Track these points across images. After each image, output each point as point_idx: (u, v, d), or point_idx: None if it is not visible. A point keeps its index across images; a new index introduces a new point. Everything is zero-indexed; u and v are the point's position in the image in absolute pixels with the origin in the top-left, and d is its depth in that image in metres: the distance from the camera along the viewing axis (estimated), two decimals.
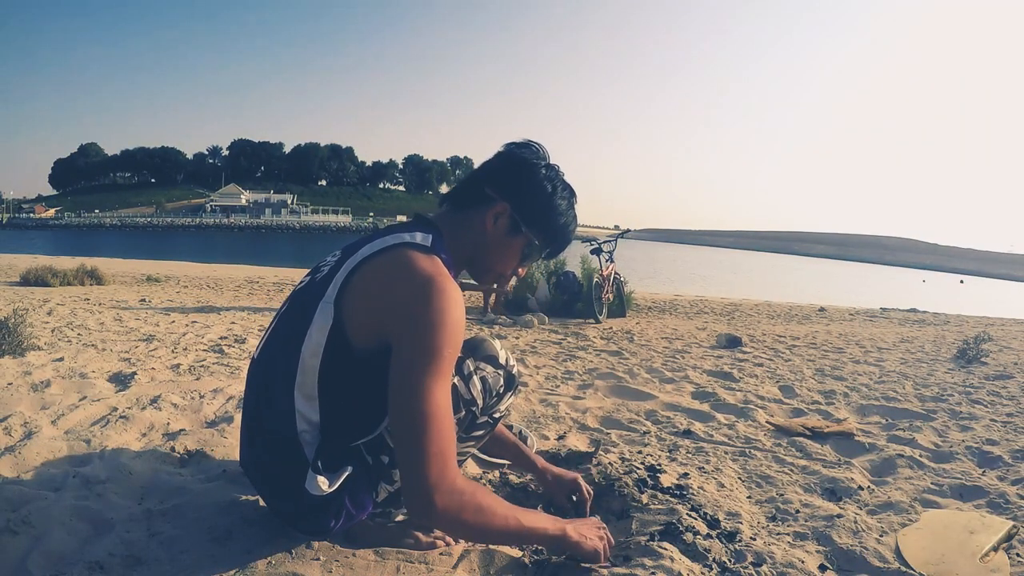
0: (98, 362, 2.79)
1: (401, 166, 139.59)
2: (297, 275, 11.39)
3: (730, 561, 1.24)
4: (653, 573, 1.14)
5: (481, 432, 1.30)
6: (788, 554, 1.27)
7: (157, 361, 2.89)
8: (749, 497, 1.65)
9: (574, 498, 1.44)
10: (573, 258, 6.89)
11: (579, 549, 1.14)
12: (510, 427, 1.96)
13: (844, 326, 6.87)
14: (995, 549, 1.35)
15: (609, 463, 1.77)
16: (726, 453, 1.99)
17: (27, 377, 2.42)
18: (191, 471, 1.58)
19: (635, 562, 1.19)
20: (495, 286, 5.72)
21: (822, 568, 1.24)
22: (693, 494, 1.57)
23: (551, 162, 1.24)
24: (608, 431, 2.21)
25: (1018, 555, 1.33)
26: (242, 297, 7.28)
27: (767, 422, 2.36)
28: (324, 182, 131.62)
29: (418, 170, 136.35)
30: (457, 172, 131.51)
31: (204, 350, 3.29)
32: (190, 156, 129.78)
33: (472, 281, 1.32)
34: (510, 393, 1.33)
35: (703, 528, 1.37)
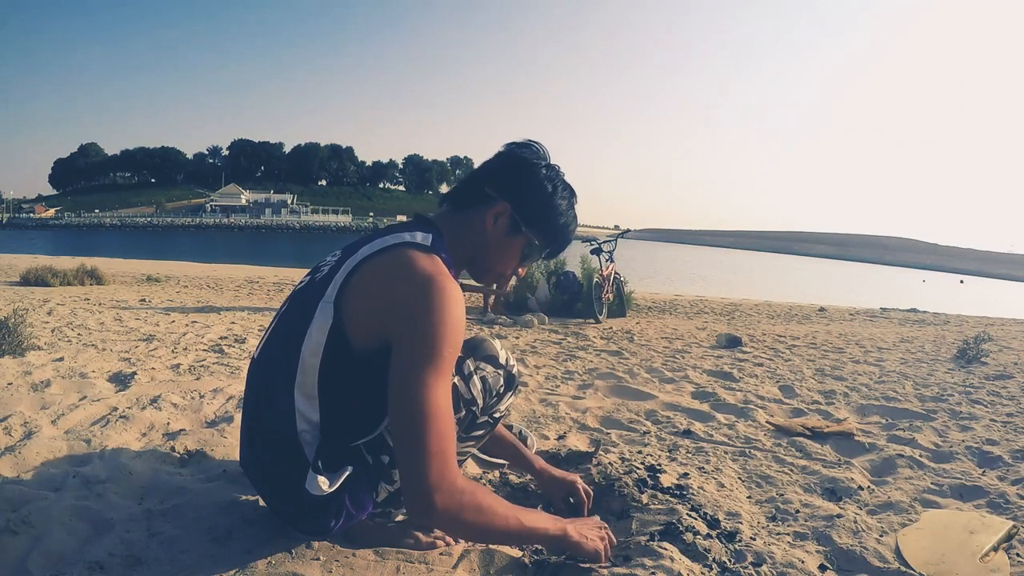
0: (98, 362, 2.79)
1: (401, 166, 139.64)
2: (297, 275, 11.40)
3: (730, 561, 1.23)
4: (653, 573, 1.14)
5: (481, 432, 1.30)
6: (788, 554, 1.27)
7: (157, 361, 2.89)
8: (749, 497, 1.65)
9: (572, 500, 1.44)
10: (573, 258, 6.89)
11: (580, 549, 1.14)
12: (510, 427, 1.96)
13: (844, 326, 6.87)
14: (995, 549, 1.35)
15: (609, 463, 1.77)
16: (726, 453, 1.99)
17: (27, 377, 2.42)
18: (191, 471, 1.58)
19: (635, 562, 1.19)
20: (495, 287, 5.74)
21: (822, 568, 1.24)
22: (693, 494, 1.57)
23: (551, 162, 1.24)
24: (608, 431, 2.21)
25: (1018, 555, 1.33)
26: (242, 297, 7.28)
27: (767, 422, 2.36)
28: (324, 182, 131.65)
29: (418, 170, 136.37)
30: (457, 172, 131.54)
31: (204, 350, 3.29)
32: (190, 156, 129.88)
33: (474, 283, 1.32)
34: (510, 393, 1.33)
35: (703, 528, 1.37)
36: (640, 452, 1.96)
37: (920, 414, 2.61)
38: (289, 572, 1.09)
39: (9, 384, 2.31)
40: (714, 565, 1.21)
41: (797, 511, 1.53)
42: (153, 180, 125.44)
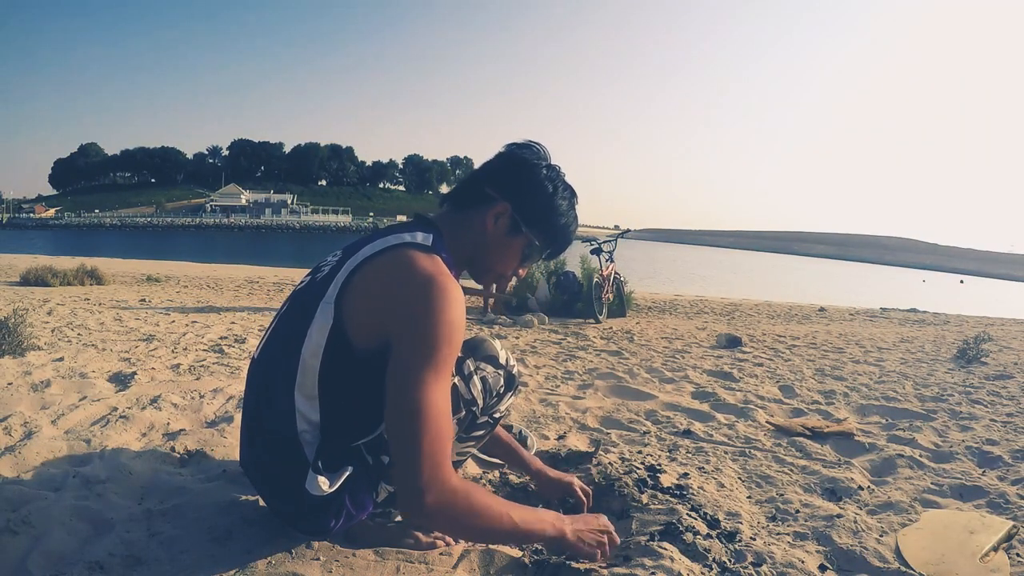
0: (98, 362, 2.79)
1: (401, 166, 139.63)
2: (297, 275, 11.40)
3: (730, 561, 1.24)
4: (653, 573, 1.14)
5: (481, 432, 1.30)
6: (788, 554, 1.27)
7: (157, 361, 2.89)
8: (749, 497, 1.65)
9: (571, 501, 1.44)
10: (573, 258, 6.89)
11: (577, 551, 1.15)
12: (510, 427, 1.96)
13: (844, 326, 6.87)
14: (995, 549, 1.35)
15: (609, 463, 1.77)
16: (726, 453, 1.99)
17: (27, 377, 2.42)
18: (191, 471, 1.58)
19: (635, 562, 1.19)
20: (495, 290, 5.73)
21: (822, 568, 1.24)
22: (693, 494, 1.57)
23: (552, 163, 1.24)
24: (608, 431, 2.21)
25: (1018, 555, 1.33)
26: (242, 297, 7.28)
27: (767, 422, 2.36)
28: (324, 182, 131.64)
29: (418, 170, 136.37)
30: (457, 172, 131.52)
31: (204, 350, 3.29)
32: (190, 156, 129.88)
33: (475, 286, 1.32)
34: (510, 393, 1.33)
35: (703, 528, 1.37)
36: (640, 452, 1.96)
37: (920, 414, 2.61)
38: (289, 572, 1.09)
39: (9, 384, 2.31)
40: (714, 565, 1.21)
41: (797, 511, 1.53)
42: (153, 180, 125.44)
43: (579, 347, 4.20)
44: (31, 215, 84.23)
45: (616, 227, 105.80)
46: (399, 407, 0.97)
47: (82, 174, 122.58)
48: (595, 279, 6.02)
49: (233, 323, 4.50)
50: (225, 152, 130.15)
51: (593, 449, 1.89)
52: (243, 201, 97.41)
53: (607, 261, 6.52)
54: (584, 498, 1.45)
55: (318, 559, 1.14)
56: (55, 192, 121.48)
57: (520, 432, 1.95)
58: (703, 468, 1.82)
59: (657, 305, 8.67)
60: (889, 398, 2.92)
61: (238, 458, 1.29)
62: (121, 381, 2.46)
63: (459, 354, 1.23)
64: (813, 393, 2.98)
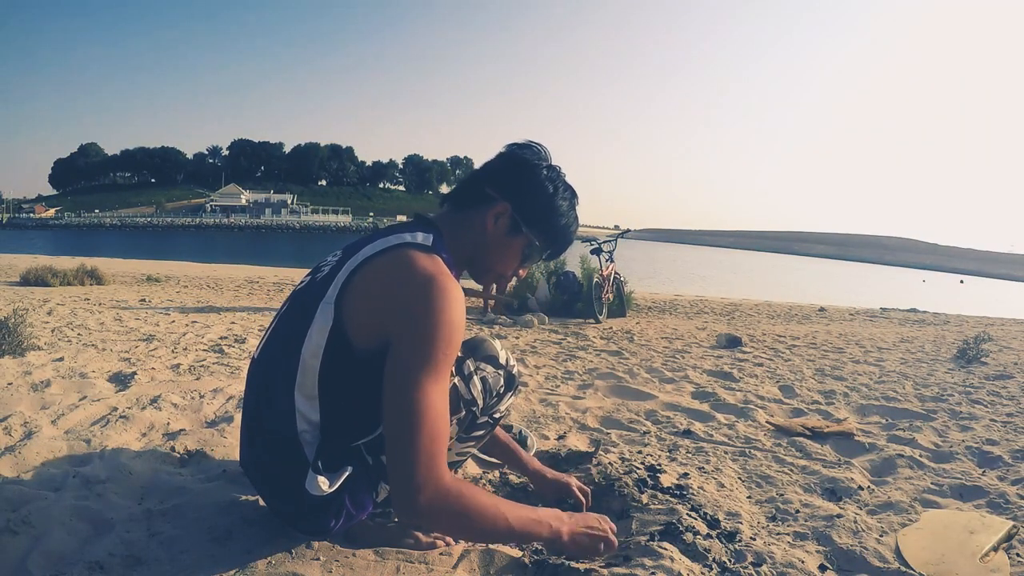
0: (98, 362, 2.79)
1: (401, 166, 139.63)
2: (297, 275, 11.40)
3: (730, 561, 1.24)
4: (653, 573, 1.14)
5: (481, 432, 1.30)
6: (788, 554, 1.27)
7: (157, 361, 2.89)
8: (749, 497, 1.65)
9: (570, 502, 1.44)
10: (573, 258, 6.89)
11: (574, 552, 1.15)
12: (510, 428, 1.96)
13: (844, 326, 6.87)
14: (995, 549, 1.35)
15: (609, 463, 1.77)
16: (726, 453, 1.99)
17: (27, 377, 2.42)
18: (191, 471, 1.58)
19: (635, 562, 1.19)
20: (495, 290, 5.73)
21: (822, 568, 1.24)
22: (693, 494, 1.57)
23: (552, 163, 1.23)
24: (608, 431, 2.21)
25: (1018, 555, 1.33)
26: (242, 297, 7.28)
27: (767, 422, 2.36)
28: (324, 182, 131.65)
29: (418, 170, 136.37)
30: (457, 172, 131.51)
31: (204, 350, 3.29)
32: (190, 156, 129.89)
33: (475, 288, 1.32)
34: (510, 393, 1.33)
35: (703, 528, 1.37)
36: (640, 452, 1.96)
37: (920, 414, 2.61)
38: (289, 572, 1.09)
39: (9, 384, 2.31)
40: (714, 565, 1.21)
41: (797, 511, 1.53)
42: (153, 180, 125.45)
43: (579, 347, 4.20)
44: (31, 215, 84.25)
45: (616, 227, 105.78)
46: (396, 407, 0.97)
47: (82, 174, 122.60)
48: (595, 279, 6.02)
49: (233, 323, 4.50)
50: (225, 152, 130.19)
51: (593, 449, 1.89)
52: (243, 201, 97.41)
53: (607, 261, 6.52)
54: (582, 498, 1.45)
55: (318, 559, 1.14)
56: (55, 192, 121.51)
57: (520, 432, 1.95)
58: (703, 468, 1.82)
59: (657, 305, 8.67)
60: (889, 398, 2.92)
61: (238, 458, 1.29)
62: (121, 381, 2.46)
63: (459, 354, 1.24)
64: (813, 393, 2.98)
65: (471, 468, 1.72)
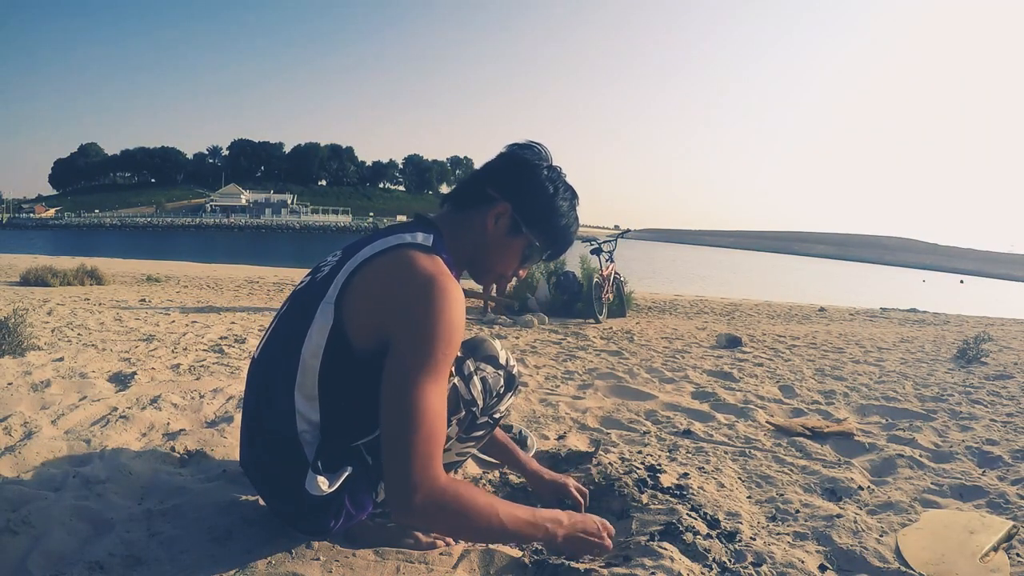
0: (98, 362, 2.79)
1: (401, 166, 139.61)
2: (297, 275, 11.40)
3: (730, 561, 1.24)
4: (653, 573, 1.14)
5: (481, 432, 1.30)
6: (788, 554, 1.27)
7: (157, 361, 2.89)
8: (749, 497, 1.65)
9: (568, 503, 1.44)
10: (573, 258, 6.89)
11: (570, 553, 1.16)
12: (510, 428, 1.96)
13: (844, 326, 6.87)
14: (995, 549, 1.35)
15: (609, 463, 1.77)
16: (726, 453, 1.99)
17: (27, 377, 2.42)
18: (191, 471, 1.58)
19: (635, 562, 1.19)
20: (495, 290, 5.72)
21: (822, 568, 1.24)
22: (693, 494, 1.57)
23: (553, 163, 1.23)
24: (608, 431, 2.21)
25: (1018, 555, 1.33)
26: (242, 297, 7.28)
27: (767, 422, 2.36)
28: (324, 182, 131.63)
29: (418, 170, 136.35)
30: (457, 172, 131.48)
31: (204, 350, 3.29)
32: (190, 156, 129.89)
33: (475, 290, 1.32)
34: (510, 393, 1.33)
35: (703, 528, 1.37)
36: (640, 452, 1.96)
37: (920, 414, 2.61)
38: (289, 572, 1.09)
39: (9, 384, 2.31)
40: (714, 565, 1.21)
41: (797, 511, 1.53)
42: (153, 180, 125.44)
43: (579, 347, 4.20)
44: (31, 215, 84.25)
45: (616, 227, 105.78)
46: (394, 406, 0.97)
47: (82, 174, 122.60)
48: (595, 279, 6.02)
49: (233, 323, 4.50)
50: (225, 152, 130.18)
51: (593, 449, 1.88)
52: (243, 201, 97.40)
53: (607, 261, 6.52)
54: (580, 499, 1.45)
55: (318, 559, 1.14)
56: (55, 192, 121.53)
57: (520, 432, 1.95)
58: (703, 468, 1.82)
59: (657, 305, 8.67)
60: (889, 398, 2.92)
61: (238, 458, 1.29)
62: (121, 381, 2.46)
63: (459, 354, 1.24)
64: (813, 393, 2.98)
65: (471, 468, 1.72)
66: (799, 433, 2.22)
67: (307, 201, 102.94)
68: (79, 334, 3.63)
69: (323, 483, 1.04)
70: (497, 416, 1.33)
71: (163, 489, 1.43)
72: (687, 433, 2.19)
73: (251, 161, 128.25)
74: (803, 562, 1.25)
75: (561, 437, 2.09)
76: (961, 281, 41.39)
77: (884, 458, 1.98)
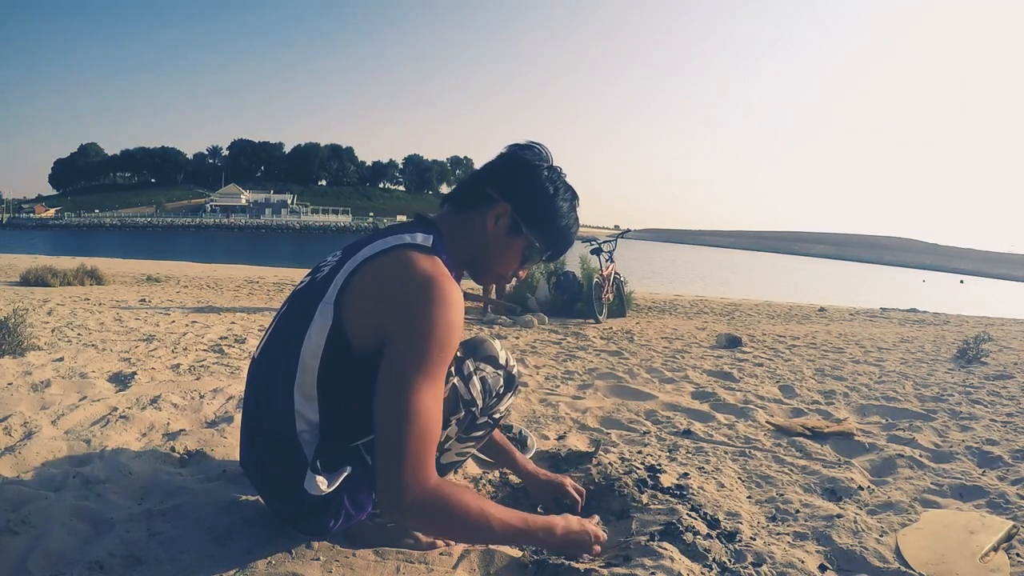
0: (98, 362, 2.79)
1: (401, 166, 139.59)
2: (297, 275, 11.40)
3: (730, 561, 1.24)
4: (653, 573, 1.14)
5: (481, 432, 1.30)
6: (788, 554, 1.27)
7: (157, 361, 2.89)
8: (749, 497, 1.65)
9: (566, 503, 1.44)
10: (573, 258, 6.89)
11: (566, 553, 1.17)
12: (510, 428, 1.96)
13: (844, 326, 6.87)
14: (995, 549, 1.35)
15: (609, 463, 1.77)
16: (726, 453, 1.99)
17: (27, 377, 2.42)
18: (191, 471, 1.58)
19: (635, 562, 1.19)
20: (495, 290, 5.70)
21: (822, 568, 1.24)
22: (693, 494, 1.57)
23: (553, 164, 1.23)
24: (608, 431, 2.21)
25: (1018, 555, 1.33)
26: (242, 297, 7.28)
27: (767, 422, 2.36)
28: (324, 182, 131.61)
29: (418, 170, 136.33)
30: (457, 172, 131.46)
31: (204, 350, 3.29)
32: (190, 156, 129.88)
33: (477, 290, 1.32)
34: (510, 394, 1.33)
35: (703, 528, 1.37)
36: (640, 452, 1.96)
37: (920, 414, 2.61)
38: (289, 572, 1.09)
39: (9, 384, 2.31)
40: (714, 565, 1.21)
41: (797, 511, 1.53)
42: (153, 180, 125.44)
43: (579, 347, 4.20)
44: (31, 215, 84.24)
45: (616, 227, 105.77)
46: (388, 406, 0.97)
47: (82, 174, 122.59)
48: (595, 279, 6.02)
49: (233, 323, 4.50)
50: (225, 152, 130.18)
51: (593, 449, 1.88)
52: (243, 201, 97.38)
53: (607, 261, 6.52)
54: (578, 498, 1.45)
55: (318, 559, 1.14)
56: (55, 192, 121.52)
57: (520, 432, 1.95)
58: (703, 468, 1.82)
59: (657, 305, 8.67)
60: (889, 398, 2.92)
61: (238, 458, 1.29)
62: (121, 381, 2.46)
63: (459, 354, 1.24)
64: (813, 393, 2.98)
65: (471, 468, 1.72)
66: (799, 433, 2.22)
67: (307, 201, 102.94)
68: (79, 334, 3.63)
69: (322, 483, 1.04)
70: (497, 416, 1.33)
71: (163, 489, 1.43)
72: (687, 433, 2.19)
73: (251, 161, 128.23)
74: (803, 562, 1.25)
75: (561, 437, 2.09)
76: (961, 281, 41.40)
77: (884, 458, 1.98)
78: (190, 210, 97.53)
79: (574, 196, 1.24)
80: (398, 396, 0.96)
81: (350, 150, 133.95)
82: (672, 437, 2.15)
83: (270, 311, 5.55)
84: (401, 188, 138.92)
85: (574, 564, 1.16)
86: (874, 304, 11.91)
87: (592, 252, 6.64)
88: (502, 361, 1.31)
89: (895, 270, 56.57)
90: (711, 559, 1.23)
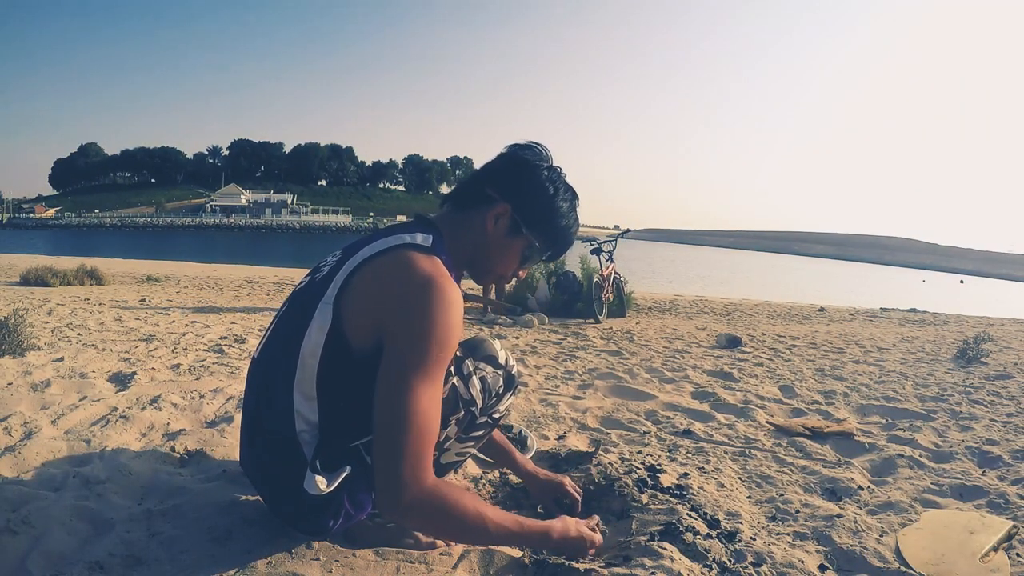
0: (98, 362, 2.79)
1: (401, 166, 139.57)
2: (297, 275, 11.40)
3: (730, 561, 1.24)
4: (653, 573, 1.14)
5: (480, 432, 1.30)
6: (788, 554, 1.27)
7: (157, 361, 2.89)
8: (749, 497, 1.65)
9: (566, 502, 1.44)
10: (573, 258, 6.89)
11: (563, 553, 1.17)
12: (510, 428, 1.96)
13: (844, 326, 6.87)
14: (995, 549, 1.35)
15: (609, 463, 1.77)
16: (726, 453, 1.99)
17: (27, 377, 2.42)
18: (191, 471, 1.58)
19: (635, 562, 1.20)
20: (494, 290, 5.69)
21: (822, 568, 1.24)
22: (693, 494, 1.57)
23: (553, 164, 1.23)
24: (608, 431, 2.21)
25: (1018, 555, 1.33)
26: (242, 297, 7.28)
27: (767, 422, 2.36)
28: (324, 182, 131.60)
29: (418, 170, 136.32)
30: (457, 172, 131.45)
31: (204, 350, 3.29)
32: (190, 156, 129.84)
33: (477, 291, 1.32)
34: (510, 393, 1.33)
35: (703, 528, 1.37)
36: (640, 452, 1.96)
37: (920, 414, 2.61)
38: (289, 572, 1.09)
39: (9, 384, 2.31)
40: (714, 565, 1.21)
41: (797, 511, 1.53)
42: (153, 180, 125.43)
43: (579, 347, 4.20)
44: (31, 215, 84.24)
45: (616, 227, 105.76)
46: (387, 407, 0.97)
47: (82, 174, 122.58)
48: (595, 279, 6.02)
49: (233, 323, 4.50)
50: (225, 152, 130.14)
51: (593, 449, 1.88)
52: (243, 201, 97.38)
53: (607, 261, 6.52)
54: (577, 497, 1.45)
55: (318, 559, 1.14)
56: (55, 192, 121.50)
57: (520, 432, 1.95)
58: (703, 468, 1.82)
59: (657, 305, 8.67)
60: (889, 398, 2.92)
61: (238, 458, 1.29)
62: (121, 381, 2.46)
63: (458, 354, 1.24)
64: (813, 393, 2.98)
65: (471, 468, 1.72)
66: (799, 433, 2.22)
67: (307, 201, 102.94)
68: (79, 334, 3.63)
69: (321, 483, 1.04)
70: (496, 416, 1.33)
71: (163, 489, 1.43)
72: (687, 433, 2.19)
73: (251, 161, 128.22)
74: (803, 562, 1.25)
75: (561, 437, 2.09)
76: (961, 281, 41.40)
77: (884, 458, 1.98)
78: (190, 210, 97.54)
79: (574, 196, 1.24)
80: (396, 396, 0.96)
81: (350, 150, 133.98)
82: (672, 437, 2.15)
83: (270, 311, 5.55)
84: (401, 188, 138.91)
85: (574, 564, 1.17)
86: (874, 304, 11.91)
87: (592, 252, 6.64)
88: (502, 361, 1.31)
89: (895, 270, 56.57)
90: (711, 559, 1.23)
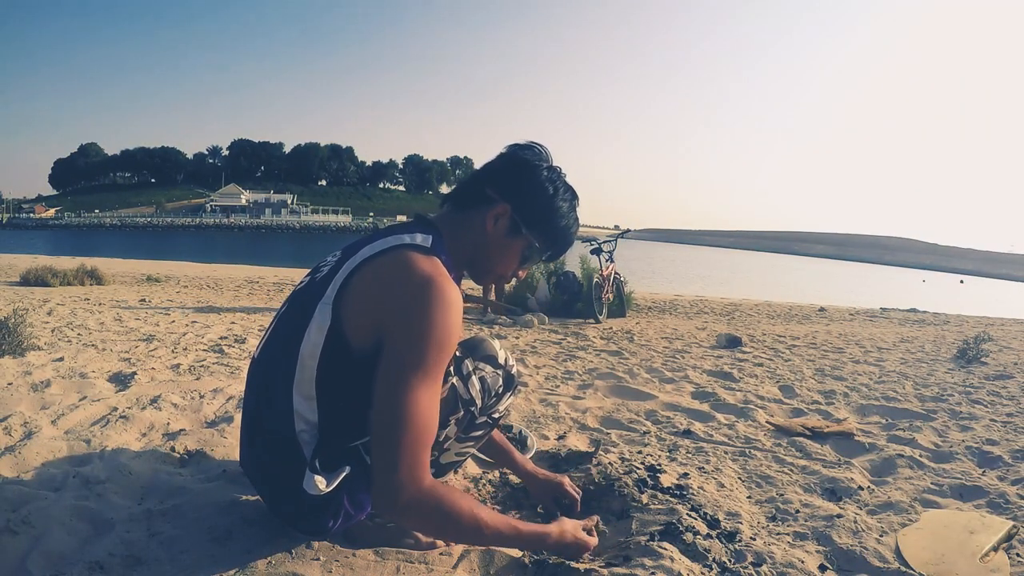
0: (98, 362, 2.79)
1: (401, 166, 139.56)
2: (297, 275, 11.40)
3: (730, 561, 1.24)
4: (653, 573, 1.14)
5: (480, 432, 1.30)
6: (788, 554, 1.27)
7: (157, 361, 2.89)
8: (749, 497, 1.65)
9: (566, 502, 1.44)
10: (573, 258, 6.89)
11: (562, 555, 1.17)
12: (509, 428, 1.96)
13: (844, 326, 6.87)
14: (995, 549, 1.35)
15: (609, 463, 1.77)
16: (726, 453, 1.99)
17: (27, 377, 2.42)
18: (191, 471, 1.58)
19: (635, 562, 1.20)
20: (494, 290, 5.69)
21: (822, 568, 1.24)
22: (693, 494, 1.57)
23: (553, 164, 1.23)
24: (608, 431, 2.21)
25: (1018, 555, 1.33)
26: (242, 297, 7.28)
27: (767, 422, 2.36)
28: (324, 182, 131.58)
29: (418, 170, 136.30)
30: (457, 172, 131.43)
31: (204, 350, 3.29)
32: (190, 156, 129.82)
33: (477, 292, 1.32)
34: (509, 393, 1.33)
35: (703, 528, 1.37)
36: (640, 452, 1.96)
37: (920, 414, 2.61)
38: (289, 572, 1.09)
39: (9, 384, 2.31)
40: (714, 565, 1.21)
41: (797, 511, 1.53)
42: (153, 180, 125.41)
43: (579, 347, 4.20)
44: (31, 215, 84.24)
45: (616, 227, 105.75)
46: (385, 407, 0.97)
47: (82, 174, 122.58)
48: (595, 279, 6.02)
49: (233, 323, 4.50)
50: (225, 152, 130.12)
51: (593, 449, 1.89)
52: (243, 201, 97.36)
53: (607, 261, 6.52)
54: (576, 497, 1.45)
55: (318, 559, 1.14)
56: (55, 192, 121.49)
57: (520, 432, 1.95)
58: (703, 468, 1.82)
59: (657, 305, 8.67)
60: (889, 398, 2.92)
61: (238, 458, 1.29)
62: (121, 381, 2.46)
63: (458, 354, 1.24)
64: (813, 393, 2.98)
65: (471, 468, 1.72)
66: (799, 433, 2.22)
67: (307, 201, 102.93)
68: (79, 334, 3.63)
69: (321, 483, 1.04)
70: (496, 416, 1.33)
71: (163, 489, 1.43)
72: (687, 433, 2.19)
73: (251, 161, 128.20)
74: (803, 562, 1.25)
75: (561, 437, 2.09)
76: (961, 281, 41.39)
77: (884, 458, 1.98)
78: (190, 210, 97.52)
79: (574, 196, 1.24)
80: (395, 396, 0.96)
81: (350, 150, 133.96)
82: (672, 437, 2.15)
83: (270, 311, 5.55)
84: (401, 188, 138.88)
85: (574, 564, 1.17)
86: (874, 304, 11.91)
87: (592, 252, 6.64)
88: (501, 361, 1.31)
89: (895, 270, 56.57)
90: (711, 559, 1.23)
